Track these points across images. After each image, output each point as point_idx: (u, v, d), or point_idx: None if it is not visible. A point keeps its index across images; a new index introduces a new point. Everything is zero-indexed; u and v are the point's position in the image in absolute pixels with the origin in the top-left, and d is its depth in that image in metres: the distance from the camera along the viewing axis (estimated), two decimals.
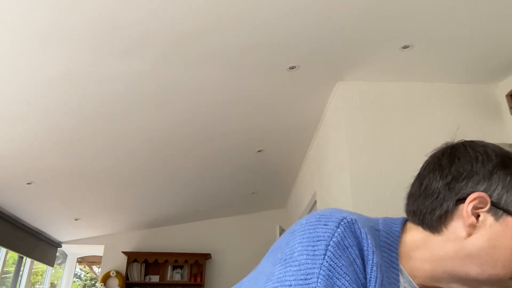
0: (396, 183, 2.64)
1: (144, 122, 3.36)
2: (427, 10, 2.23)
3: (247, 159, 4.40)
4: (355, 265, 0.50)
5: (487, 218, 0.57)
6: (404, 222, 0.66)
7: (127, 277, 6.06)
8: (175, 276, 6.21)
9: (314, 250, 0.50)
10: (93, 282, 11.79)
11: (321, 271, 0.48)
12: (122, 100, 3.02)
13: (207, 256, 6.23)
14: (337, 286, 0.48)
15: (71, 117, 3.19)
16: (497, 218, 0.56)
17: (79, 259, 8.44)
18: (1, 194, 4.61)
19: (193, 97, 3.06)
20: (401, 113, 2.86)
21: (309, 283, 0.47)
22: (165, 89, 2.92)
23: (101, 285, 6.21)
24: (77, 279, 11.97)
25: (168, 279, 6.18)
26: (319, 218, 0.55)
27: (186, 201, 5.63)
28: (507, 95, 2.84)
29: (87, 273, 12.06)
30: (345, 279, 0.48)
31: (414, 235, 0.62)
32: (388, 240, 0.59)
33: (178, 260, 6.19)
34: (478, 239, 0.56)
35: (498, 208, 0.56)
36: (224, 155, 4.23)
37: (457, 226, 0.58)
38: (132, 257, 6.20)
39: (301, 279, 0.48)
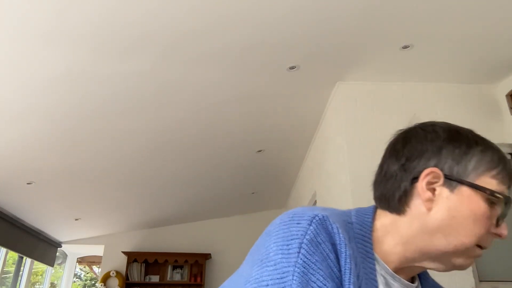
0: None
1: (144, 122, 3.36)
2: (427, 10, 2.23)
3: (247, 159, 4.40)
4: (328, 260, 0.51)
5: (442, 191, 0.59)
6: (375, 210, 0.68)
7: (127, 277, 6.06)
8: (175, 276, 6.21)
9: (289, 249, 0.51)
10: (93, 282, 11.80)
11: (296, 269, 0.49)
12: (122, 100, 3.02)
13: (207, 256, 6.23)
14: (312, 281, 0.49)
15: (71, 117, 3.19)
16: (452, 189, 0.59)
17: (79, 259, 8.44)
18: (1, 194, 4.61)
19: (193, 97, 3.06)
20: (401, 113, 2.86)
21: (285, 281, 0.49)
22: (165, 89, 2.92)
23: (101, 285, 6.21)
24: (77, 279, 11.97)
25: (168, 279, 6.18)
26: (292, 217, 0.56)
27: (186, 201, 5.63)
28: (507, 95, 2.84)
29: (87, 273, 12.06)
30: (319, 274, 0.50)
31: (383, 220, 0.65)
32: (362, 231, 0.61)
33: (178, 260, 6.19)
34: (438, 212, 0.58)
35: (451, 180, 0.59)
36: (224, 155, 4.23)
37: (417, 204, 0.61)
38: (132, 257, 6.20)
39: (277, 278, 0.49)
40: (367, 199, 2.93)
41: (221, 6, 2.16)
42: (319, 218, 0.55)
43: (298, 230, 0.53)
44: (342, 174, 2.85)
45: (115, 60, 2.56)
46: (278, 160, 4.54)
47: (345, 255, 0.53)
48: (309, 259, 0.50)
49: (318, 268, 0.50)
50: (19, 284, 6.25)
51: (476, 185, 0.58)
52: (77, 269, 10.95)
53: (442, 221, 0.58)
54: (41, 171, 4.12)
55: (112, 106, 3.09)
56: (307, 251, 0.51)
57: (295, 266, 0.49)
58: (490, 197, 0.58)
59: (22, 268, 6.32)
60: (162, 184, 4.86)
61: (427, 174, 0.60)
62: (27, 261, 6.39)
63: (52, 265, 6.99)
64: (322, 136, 3.60)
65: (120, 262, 6.29)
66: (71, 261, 7.95)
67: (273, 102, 3.23)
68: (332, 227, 0.54)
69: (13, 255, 6.04)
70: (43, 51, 2.43)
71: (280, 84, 2.94)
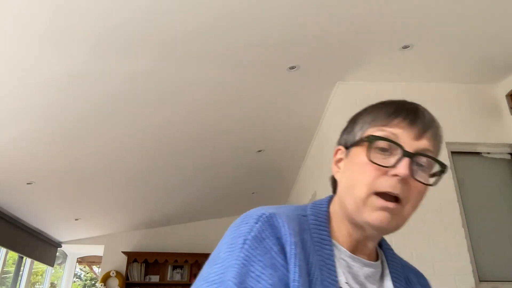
0: None
1: (144, 121, 3.36)
2: (427, 10, 2.23)
3: (247, 159, 4.40)
4: (272, 252, 0.55)
5: (344, 162, 0.66)
6: (331, 199, 0.71)
7: (127, 277, 6.06)
8: (175, 276, 6.21)
9: (234, 246, 0.56)
10: (93, 282, 11.80)
11: (237, 261, 0.54)
12: (122, 100, 3.02)
13: (207, 256, 6.19)
14: (251, 271, 0.53)
15: (70, 117, 3.19)
16: (347, 156, 0.66)
17: (79, 259, 8.44)
18: (1, 194, 4.61)
19: (193, 96, 3.06)
20: None
21: (225, 273, 0.53)
22: (164, 89, 2.92)
23: (101, 285, 6.21)
24: (77, 279, 11.97)
25: (168, 279, 6.18)
26: (243, 218, 0.61)
27: (186, 201, 5.63)
28: (507, 95, 2.84)
29: (87, 273, 12.06)
30: (259, 265, 0.53)
31: (334, 205, 0.68)
32: (317, 221, 0.64)
33: (178, 260, 6.19)
34: (341, 180, 0.64)
35: (346, 149, 0.66)
36: (224, 155, 4.23)
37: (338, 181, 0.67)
38: (132, 257, 6.20)
39: (221, 272, 0.54)
40: None
41: (221, 6, 2.16)
42: (266, 216, 0.59)
43: (245, 229, 0.58)
44: None
45: (114, 59, 2.55)
46: (278, 160, 4.54)
47: (290, 243, 0.56)
48: (251, 253, 0.54)
49: (259, 260, 0.54)
50: (19, 284, 6.25)
51: (356, 141, 0.63)
52: (77, 269, 10.94)
53: (344, 186, 0.63)
54: (41, 171, 4.12)
55: (112, 106, 3.09)
56: (249, 246, 0.55)
57: (237, 260, 0.54)
58: (369, 142, 0.60)
59: (22, 268, 6.32)
60: (162, 184, 4.86)
61: (335, 153, 0.69)
62: (27, 261, 6.39)
63: (52, 265, 6.99)
64: (322, 136, 3.60)
65: (120, 262, 6.29)
66: (71, 261, 7.95)
67: (273, 102, 3.23)
68: (278, 222, 0.58)
69: (13, 255, 6.04)
70: (41, 50, 2.42)
71: (280, 84, 2.94)
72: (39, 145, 3.60)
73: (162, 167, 4.35)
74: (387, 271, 0.67)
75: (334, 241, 0.63)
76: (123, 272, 6.17)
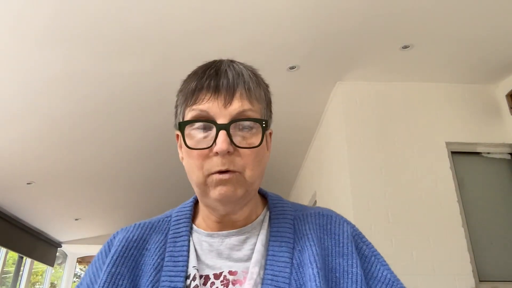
0: (396, 182, 2.64)
1: (144, 121, 3.36)
2: (427, 10, 2.23)
3: None
4: (97, 262, 0.65)
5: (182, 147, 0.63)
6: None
7: None
8: None
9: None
10: None
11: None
12: (122, 100, 3.02)
13: None
14: (84, 275, 0.66)
15: (71, 117, 3.19)
16: (180, 144, 0.64)
17: (79, 259, 8.44)
18: (1, 194, 4.61)
19: None
20: (401, 113, 2.86)
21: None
22: (165, 89, 2.92)
23: None
24: (77, 279, 11.96)
25: None
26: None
27: (186, 200, 5.62)
28: (507, 95, 2.84)
29: None
30: (88, 270, 0.65)
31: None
32: (178, 217, 0.68)
33: None
34: (185, 166, 0.63)
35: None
36: None
37: None
38: None
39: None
40: (367, 199, 2.94)
41: (221, 6, 2.16)
42: (111, 237, 0.69)
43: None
44: (342, 174, 2.85)
45: (114, 60, 2.56)
46: (278, 160, 4.54)
47: (115, 248, 0.64)
48: (91, 264, 0.67)
49: (90, 266, 0.66)
50: (19, 284, 6.25)
51: (177, 121, 0.63)
52: (77, 269, 10.93)
53: (187, 173, 0.62)
54: (41, 171, 4.12)
55: (112, 106, 3.09)
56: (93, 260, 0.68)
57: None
58: (181, 130, 0.59)
59: (22, 268, 6.32)
60: (162, 183, 4.86)
61: (177, 139, 0.67)
62: (27, 261, 6.38)
63: (52, 265, 6.99)
64: (322, 136, 3.60)
65: None
66: (71, 261, 7.95)
67: (273, 102, 3.23)
68: (112, 238, 0.68)
69: (13, 255, 6.04)
70: (42, 51, 2.42)
71: (280, 84, 2.94)
72: (39, 146, 3.60)
73: (162, 166, 4.34)
74: (263, 230, 0.64)
75: (197, 229, 0.65)
76: None
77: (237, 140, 0.57)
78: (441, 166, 2.69)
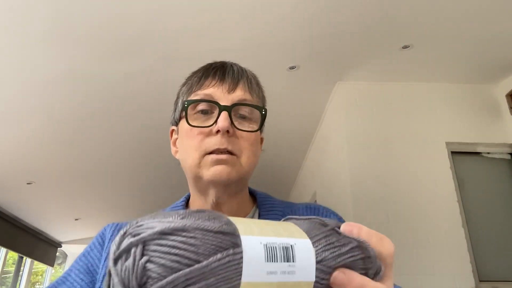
0: (396, 182, 2.64)
1: (145, 122, 3.36)
2: (427, 10, 2.23)
3: None
4: (91, 252, 0.63)
5: (178, 140, 0.67)
6: None
7: None
8: None
9: None
10: None
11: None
12: (122, 100, 3.02)
13: None
14: (74, 267, 0.62)
15: (71, 117, 3.19)
16: (178, 133, 0.67)
17: None
18: (1, 194, 4.61)
19: None
20: (401, 113, 2.86)
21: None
22: (165, 89, 2.92)
23: None
24: None
25: None
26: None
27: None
28: (507, 95, 2.84)
29: None
30: (81, 263, 0.62)
31: (191, 190, 0.70)
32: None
33: None
34: (180, 157, 0.65)
35: (177, 126, 0.68)
36: None
37: None
38: None
39: None
40: (367, 198, 2.93)
41: (221, 7, 2.16)
42: (103, 229, 0.67)
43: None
44: (342, 174, 2.85)
45: (114, 60, 2.56)
46: (278, 160, 4.54)
47: (109, 242, 0.63)
48: (83, 255, 0.64)
49: (83, 257, 0.63)
50: (19, 284, 6.25)
51: (179, 114, 0.65)
52: None
53: (182, 161, 0.63)
54: (41, 171, 4.12)
55: (112, 106, 3.09)
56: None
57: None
58: (185, 109, 0.61)
59: (22, 268, 6.32)
60: (162, 183, 4.86)
61: (170, 136, 0.71)
62: (27, 261, 6.38)
63: (52, 265, 6.99)
64: (322, 136, 3.60)
65: None
66: (71, 261, 7.94)
67: (273, 102, 3.23)
68: (104, 230, 0.66)
69: (13, 255, 6.04)
70: (42, 52, 2.43)
71: (280, 84, 2.94)
72: (39, 145, 3.60)
73: (162, 167, 4.34)
74: None
75: None
76: None
77: (237, 123, 0.59)
78: (441, 166, 2.69)
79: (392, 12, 2.24)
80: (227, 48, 2.49)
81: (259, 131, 0.64)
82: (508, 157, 2.79)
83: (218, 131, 0.57)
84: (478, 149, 2.79)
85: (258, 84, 0.70)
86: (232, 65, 0.67)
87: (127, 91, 2.91)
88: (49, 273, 7.69)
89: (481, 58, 2.68)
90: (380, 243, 0.35)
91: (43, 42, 2.35)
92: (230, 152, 0.58)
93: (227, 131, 0.57)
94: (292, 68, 2.74)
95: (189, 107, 0.61)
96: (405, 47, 2.55)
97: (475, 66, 2.77)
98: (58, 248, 7.07)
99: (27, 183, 4.37)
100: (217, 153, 0.57)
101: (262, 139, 0.71)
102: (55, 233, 6.55)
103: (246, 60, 2.64)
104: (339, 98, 2.97)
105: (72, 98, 2.94)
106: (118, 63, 2.59)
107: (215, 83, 0.62)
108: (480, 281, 2.41)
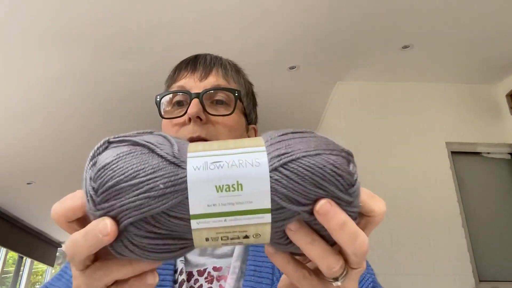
0: (396, 182, 2.64)
1: (145, 122, 3.36)
2: (427, 10, 2.23)
3: None
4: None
5: None
6: None
7: None
8: None
9: None
10: None
11: None
12: (122, 100, 3.02)
13: None
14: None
15: (71, 117, 3.19)
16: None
17: None
18: (1, 194, 4.61)
19: None
20: (401, 113, 2.86)
21: None
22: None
23: None
24: None
25: None
26: None
27: None
28: (507, 95, 2.84)
29: None
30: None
31: None
32: None
33: None
34: None
35: None
36: None
37: None
38: None
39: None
40: None
41: (221, 7, 2.16)
42: None
43: None
44: None
45: (114, 60, 2.56)
46: None
47: None
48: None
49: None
50: (19, 284, 6.25)
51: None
52: None
53: None
54: (41, 171, 4.12)
55: (112, 106, 3.09)
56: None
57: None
58: (157, 104, 0.61)
59: (22, 268, 6.32)
60: None
61: None
62: (27, 261, 6.38)
63: (52, 265, 6.99)
64: None
65: None
66: None
67: (273, 102, 3.23)
68: None
69: (13, 255, 6.04)
70: (43, 52, 2.43)
71: (280, 84, 2.94)
72: (40, 146, 3.60)
73: None
74: None
75: None
76: None
77: (211, 109, 0.58)
78: (441, 166, 2.69)
79: (392, 12, 2.24)
80: (227, 48, 2.49)
81: (245, 117, 0.63)
82: (508, 157, 2.79)
83: (190, 120, 0.57)
84: (478, 149, 2.79)
85: (238, 70, 0.69)
86: (206, 55, 0.66)
87: (127, 91, 2.91)
88: (49, 273, 7.69)
89: (481, 58, 2.68)
90: (372, 200, 0.32)
91: (43, 42, 2.35)
92: (204, 139, 0.56)
93: (200, 119, 0.56)
94: (292, 68, 2.74)
95: (166, 101, 0.61)
96: (405, 47, 2.55)
97: (475, 66, 2.77)
98: (58, 248, 7.07)
99: (27, 183, 4.37)
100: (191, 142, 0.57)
101: (254, 129, 0.69)
102: (55, 233, 6.55)
103: (246, 60, 2.63)
104: (339, 98, 2.97)
105: (73, 98, 2.94)
106: (118, 63, 2.59)
107: (187, 74, 0.62)
108: (480, 281, 2.41)
